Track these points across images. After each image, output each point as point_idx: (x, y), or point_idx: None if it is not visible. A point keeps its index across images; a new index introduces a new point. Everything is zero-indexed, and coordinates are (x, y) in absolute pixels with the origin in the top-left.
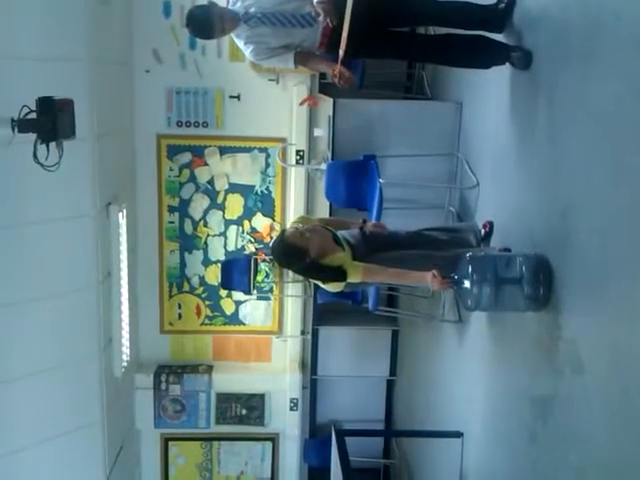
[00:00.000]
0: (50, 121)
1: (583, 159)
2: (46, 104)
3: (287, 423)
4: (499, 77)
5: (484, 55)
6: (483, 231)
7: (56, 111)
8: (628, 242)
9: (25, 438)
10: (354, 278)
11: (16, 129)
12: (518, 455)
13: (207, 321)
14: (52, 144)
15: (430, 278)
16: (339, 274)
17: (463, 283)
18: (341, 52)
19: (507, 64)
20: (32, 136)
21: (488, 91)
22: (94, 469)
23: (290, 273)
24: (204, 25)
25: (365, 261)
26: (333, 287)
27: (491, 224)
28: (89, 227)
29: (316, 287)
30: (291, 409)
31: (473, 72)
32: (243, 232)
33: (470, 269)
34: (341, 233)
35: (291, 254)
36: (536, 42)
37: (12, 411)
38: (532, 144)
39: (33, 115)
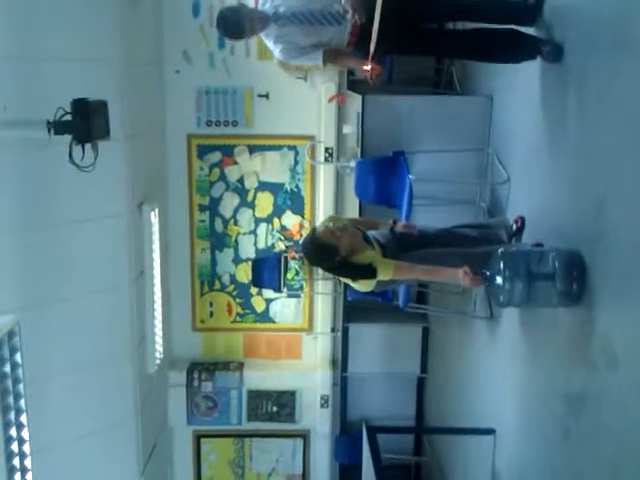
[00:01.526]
0: (85, 122)
1: (615, 153)
2: (81, 106)
3: (318, 420)
4: (530, 70)
5: (515, 49)
6: (515, 226)
7: (90, 112)
8: None
9: (60, 434)
10: (385, 275)
11: (52, 131)
12: (551, 451)
13: (238, 319)
14: (87, 145)
15: (461, 274)
16: (369, 271)
17: (495, 279)
18: (372, 47)
19: (538, 57)
20: (67, 137)
21: (519, 84)
22: (128, 466)
23: (320, 271)
24: (234, 26)
25: (396, 259)
26: (363, 286)
27: (523, 219)
28: (123, 227)
29: (346, 285)
30: (322, 406)
31: (503, 65)
32: (273, 230)
33: (502, 265)
34: (371, 233)
35: (322, 251)
36: (566, 35)
37: (47, 408)
38: (563, 138)
39: (68, 117)
